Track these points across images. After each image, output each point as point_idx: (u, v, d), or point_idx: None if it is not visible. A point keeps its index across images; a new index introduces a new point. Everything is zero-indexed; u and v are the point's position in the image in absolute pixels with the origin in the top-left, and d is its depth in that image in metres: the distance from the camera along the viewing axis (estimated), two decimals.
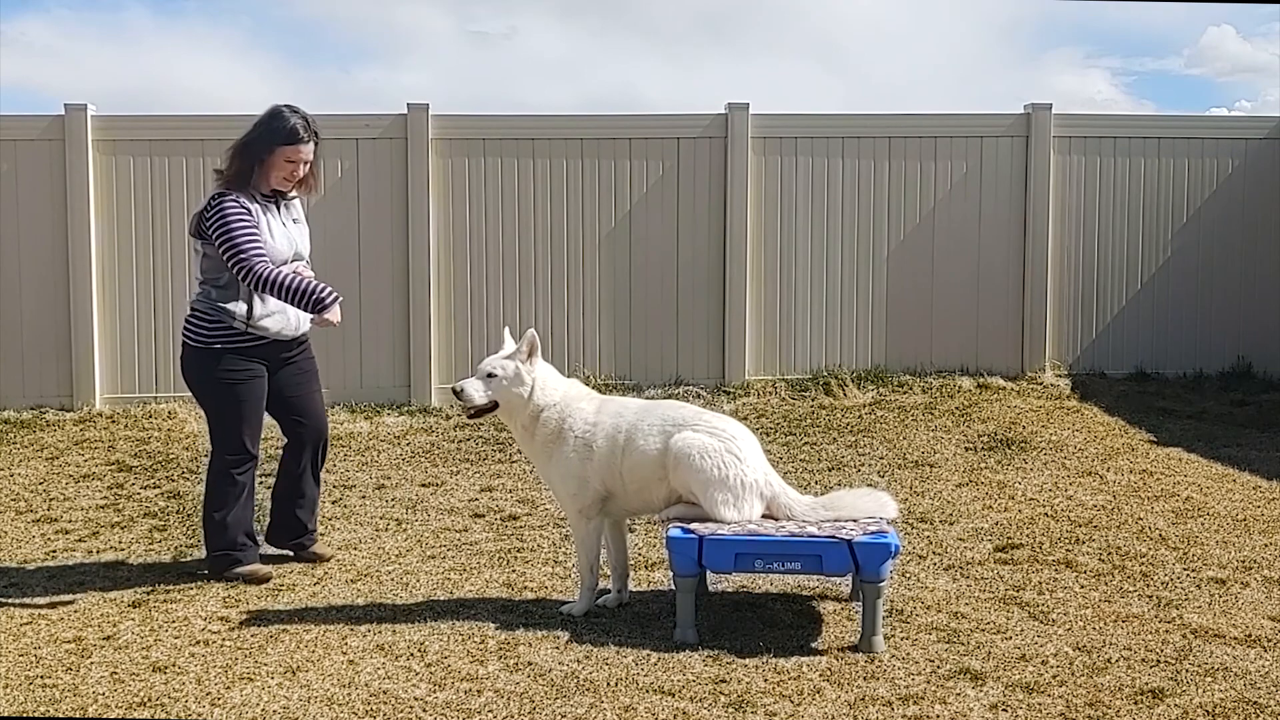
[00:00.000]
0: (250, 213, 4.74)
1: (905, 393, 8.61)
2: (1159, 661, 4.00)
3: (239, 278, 4.70)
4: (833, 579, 4.58)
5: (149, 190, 8.56)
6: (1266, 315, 9.19)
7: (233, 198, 4.74)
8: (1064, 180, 9.08)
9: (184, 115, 8.84)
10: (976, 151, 9.05)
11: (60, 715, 3.62)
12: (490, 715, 3.62)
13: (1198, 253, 9.22)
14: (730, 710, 3.62)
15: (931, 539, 5.47)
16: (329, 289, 4.73)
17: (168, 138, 8.59)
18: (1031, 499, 6.20)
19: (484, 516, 6.02)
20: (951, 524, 5.76)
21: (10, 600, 4.74)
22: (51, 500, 6.38)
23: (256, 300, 4.78)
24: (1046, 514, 5.90)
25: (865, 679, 3.85)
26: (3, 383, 8.44)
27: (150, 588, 4.88)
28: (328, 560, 5.21)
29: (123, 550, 5.47)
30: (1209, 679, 3.85)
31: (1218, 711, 3.61)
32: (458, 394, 4.49)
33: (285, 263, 4.84)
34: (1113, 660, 4.01)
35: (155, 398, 8.47)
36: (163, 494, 6.51)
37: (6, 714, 3.63)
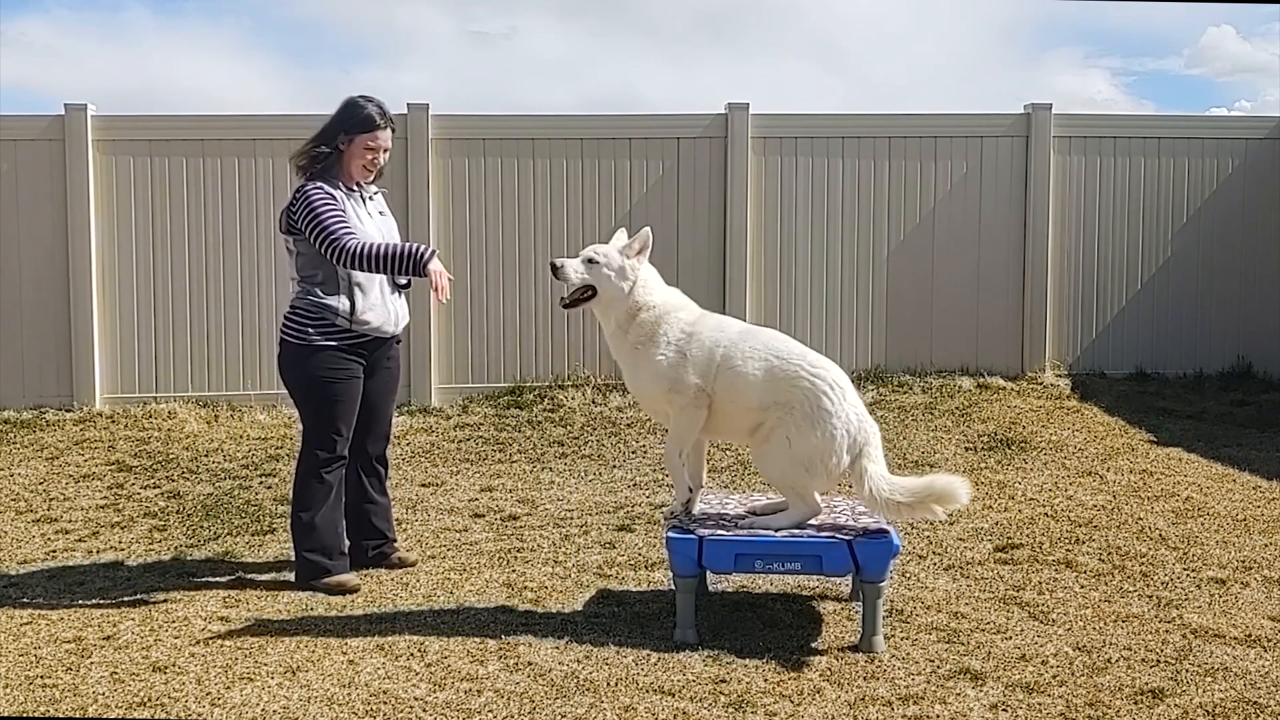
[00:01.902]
0: (336, 199, 4.72)
1: (905, 393, 8.61)
2: (1159, 661, 4.00)
3: (332, 258, 4.64)
4: (833, 579, 4.58)
5: (149, 190, 8.56)
6: (1266, 315, 9.19)
7: (316, 185, 4.73)
8: (1064, 180, 9.08)
9: (184, 115, 8.84)
10: (976, 151, 9.05)
11: (60, 715, 3.62)
12: (490, 715, 3.62)
13: (1198, 253, 9.22)
14: (730, 710, 3.62)
15: (931, 539, 5.47)
16: (421, 244, 4.70)
17: (168, 138, 8.59)
18: (1031, 499, 6.20)
19: (484, 516, 6.02)
20: (951, 524, 5.75)
21: (10, 600, 4.75)
22: (51, 500, 6.38)
23: (358, 294, 4.75)
24: (1046, 514, 5.90)
25: (865, 679, 3.85)
26: (3, 383, 8.44)
27: (150, 588, 4.88)
28: (413, 565, 5.13)
29: (123, 550, 5.47)
30: (1209, 679, 3.85)
31: (1218, 711, 3.61)
32: (555, 270, 4.40)
33: None
34: (1113, 660, 4.01)
35: (155, 398, 8.47)
36: (163, 494, 6.51)
37: (6, 714, 3.63)
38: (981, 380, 8.81)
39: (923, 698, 3.71)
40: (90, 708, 3.68)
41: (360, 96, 4.88)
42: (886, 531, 4.19)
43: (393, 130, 4.93)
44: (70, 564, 5.25)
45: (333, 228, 4.63)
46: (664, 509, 5.90)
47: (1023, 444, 7.35)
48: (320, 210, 4.66)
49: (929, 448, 7.33)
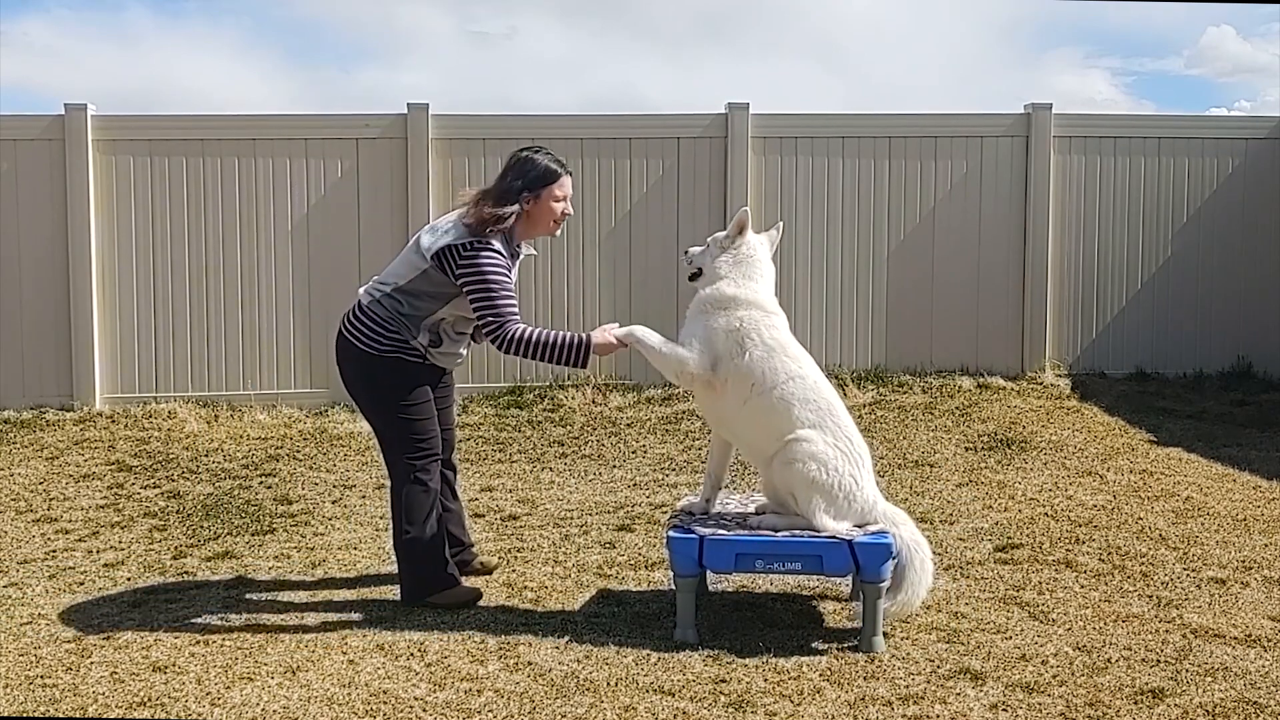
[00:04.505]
0: (508, 271, 4.43)
1: (905, 393, 8.61)
2: (1159, 661, 4.00)
3: (488, 337, 4.41)
4: (833, 579, 4.58)
5: (149, 190, 8.56)
6: (1266, 315, 9.19)
7: (495, 251, 4.38)
8: (1064, 180, 9.08)
9: (184, 115, 8.85)
10: (976, 151, 9.05)
11: (60, 715, 3.62)
12: (490, 715, 3.62)
13: (1198, 253, 9.22)
14: (730, 710, 3.62)
15: (931, 539, 5.43)
16: (579, 336, 4.40)
17: (168, 138, 8.60)
18: (1031, 499, 6.20)
19: (484, 516, 6.02)
20: (951, 524, 5.76)
21: (10, 600, 4.75)
22: (51, 500, 6.38)
23: (445, 336, 4.54)
24: (1046, 514, 5.90)
25: (865, 679, 3.85)
26: (3, 383, 8.45)
27: (150, 588, 4.88)
28: (493, 571, 5.01)
29: (123, 550, 5.47)
30: (1209, 679, 3.85)
31: (1218, 711, 3.61)
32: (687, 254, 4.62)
33: None
34: (1113, 660, 4.01)
35: (155, 398, 8.47)
36: (163, 494, 6.51)
37: (6, 714, 3.63)
38: (981, 380, 8.82)
39: (923, 698, 3.71)
40: (90, 708, 3.68)
41: (526, 150, 4.58)
42: (887, 532, 4.20)
43: (570, 175, 4.64)
44: (70, 564, 5.25)
45: (502, 308, 4.35)
46: (665, 509, 5.90)
47: (1023, 444, 7.35)
48: (494, 282, 4.35)
49: (929, 448, 7.33)
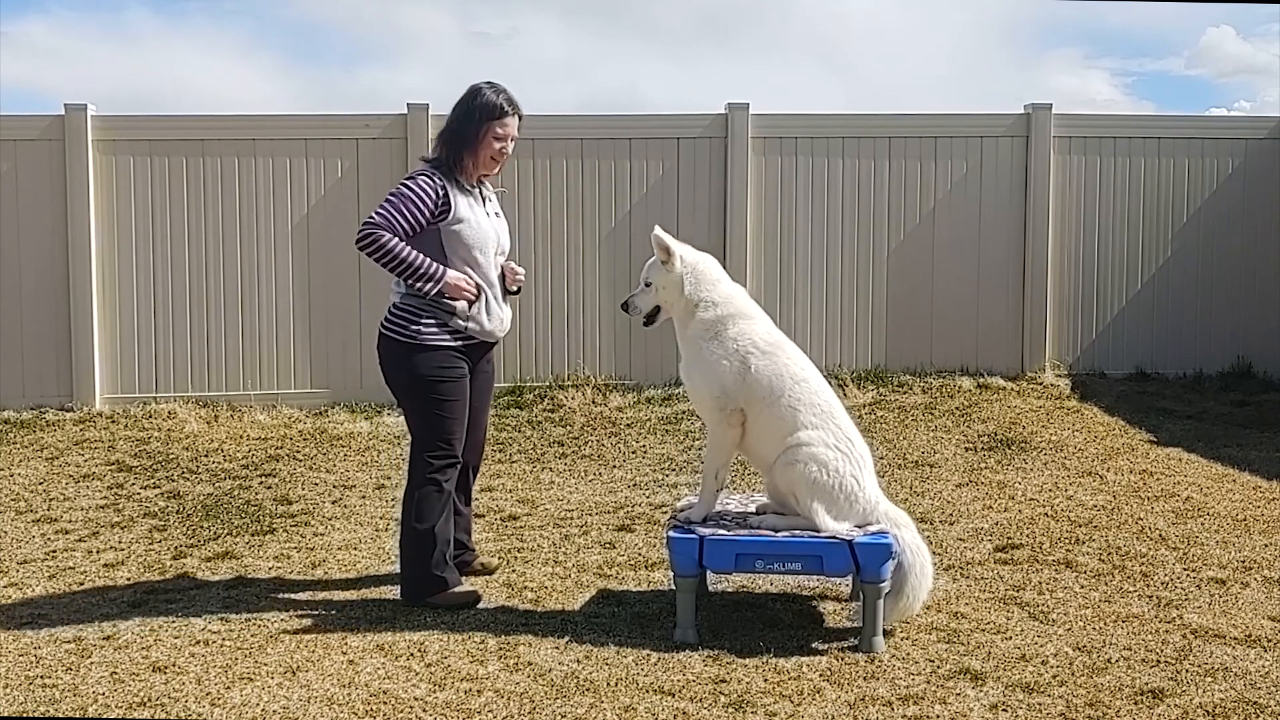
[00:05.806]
0: (429, 197, 4.51)
1: (905, 393, 8.61)
2: (1159, 661, 4.00)
3: (360, 229, 4.49)
4: (833, 579, 4.58)
5: (149, 190, 8.56)
6: (1266, 315, 9.18)
7: (428, 177, 4.57)
8: (1064, 180, 9.08)
9: (184, 115, 8.84)
10: (976, 151, 9.05)
11: (60, 715, 3.62)
12: (490, 715, 3.62)
13: (1198, 253, 9.22)
14: (730, 710, 3.62)
15: (931, 539, 5.45)
16: (438, 268, 4.49)
17: (168, 138, 8.59)
18: (1031, 499, 6.20)
19: (484, 516, 6.02)
20: (951, 524, 5.76)
21: (10, 600, 4.75)
22: (51, 500, 6.38)
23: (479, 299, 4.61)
24: (1046, 514, 5.90)
25: (865, 679, 3.85)
26: (3, 383, 8.44)
27: (150, 588, 4.89)
28: (493, 572, 5.01)
29: (123, 550, 5.47)
30: (1209, 679, 3.85)
31: (1218, 711, 3.61)
32: (627, 309, 4.64)
33: (497, 252, 4.72)
34: (1113, 660, 4.01)
35: (155, 398, 8.47)
36: (163, 494, 6.51)
37: (6, 714, 3.63)
38: (981, 380, 8.81)
39: (923, 698, 3.71)
40: (90, 708, 3.68)
41: (485, 83, 4.67)
42: (886, 532, 4.20)
43: (520, 118, 4.71)
44: (70, 564, 5.25)
45: (391, 217, 4.46)
46: (665, 509, 5.90)
47: (1023, 444, 7.35)
48: (402, 197, 4.50)
49: (929, 448, 7.33)
